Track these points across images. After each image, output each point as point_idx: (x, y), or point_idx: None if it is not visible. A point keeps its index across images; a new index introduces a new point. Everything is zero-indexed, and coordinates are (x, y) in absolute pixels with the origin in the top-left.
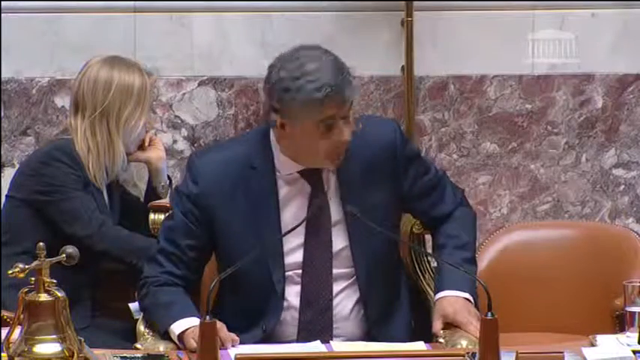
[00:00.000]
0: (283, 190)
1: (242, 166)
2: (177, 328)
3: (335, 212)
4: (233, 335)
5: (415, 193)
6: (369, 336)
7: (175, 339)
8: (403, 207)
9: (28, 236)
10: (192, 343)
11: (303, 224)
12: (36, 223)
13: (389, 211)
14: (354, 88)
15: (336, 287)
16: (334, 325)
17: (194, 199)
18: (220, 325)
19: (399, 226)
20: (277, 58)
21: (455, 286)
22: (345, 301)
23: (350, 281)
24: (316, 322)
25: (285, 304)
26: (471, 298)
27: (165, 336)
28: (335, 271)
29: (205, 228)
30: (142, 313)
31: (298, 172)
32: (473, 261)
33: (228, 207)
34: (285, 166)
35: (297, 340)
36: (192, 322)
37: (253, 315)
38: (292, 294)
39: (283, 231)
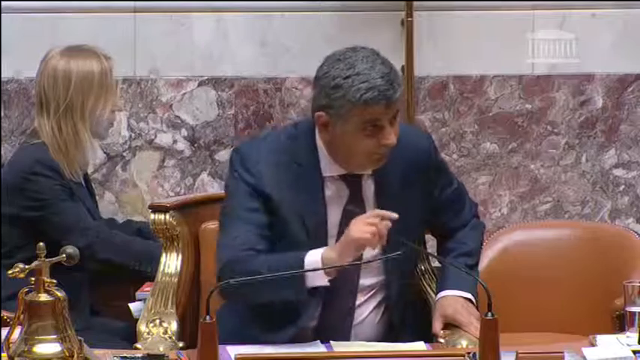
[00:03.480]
0: (328, 192)
1: (288, 160)
2: (312, 256)
3: None
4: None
5: (440, 205)
6: (388, 338)
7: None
8: (430, 217)
9: (27, 249)
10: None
11: (337, 228)
12: (31, 237)
13: (419, 220)
14: (402, 91)
15: (360, 296)
16: (352, 332)
17: (253, 185)
18: None
19: (424, 236)
20: (328, 57)
21: (456, 286)
22: (366, 308)
23: (375, 289)
24: (335, 328)
25: (311, 307)
26: (472, 299)
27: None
28: (361, 279)
29: (269, 211)
30: (141, 313)
31: (339, 175)
32: (476, 268)
33: (280, 198)
34: (328, 167)
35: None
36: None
37: (289, 313)
38: (314, 300)
39: (329, 231)
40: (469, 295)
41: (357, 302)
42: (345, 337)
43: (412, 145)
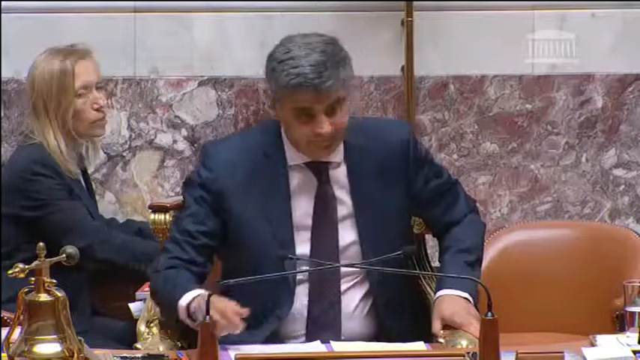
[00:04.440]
0: (294, 181)
1: (255, 153)
2: (183, 302)
3: (344, 207)
4: (235, 308)
5: (426, 197)
6: (378, 333)
7: (185, 316)
8: (414, 210)
9: (27, 249)
10: (198, 316)
11: (310, 217)
12: (31, 237)
13: (399, 210)
14: (340, 84)
15: (344, 282)
16: (343, 321)
17: (206, 184)
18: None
19: (409, 228)
20: (281, 39)
21: (454, 285)
22: (353, 296)
23: (359, 278)
24: (324, 318)
25: (295, 297)
26: (470, 298)
27: (179, 324)
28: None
29: (217, 214)
30: (141, 313)
31: (305, 163)
32: (476, 265)
33: (241, 193)
34: (293, 156)
35: (306, 337)
36: (196, 292)
37: (266, 305)
38: (301, 288)
39: (294, 221)
40: (467, 295)
41: (342, 289)
42: (336, 327)
43: (388, 136)
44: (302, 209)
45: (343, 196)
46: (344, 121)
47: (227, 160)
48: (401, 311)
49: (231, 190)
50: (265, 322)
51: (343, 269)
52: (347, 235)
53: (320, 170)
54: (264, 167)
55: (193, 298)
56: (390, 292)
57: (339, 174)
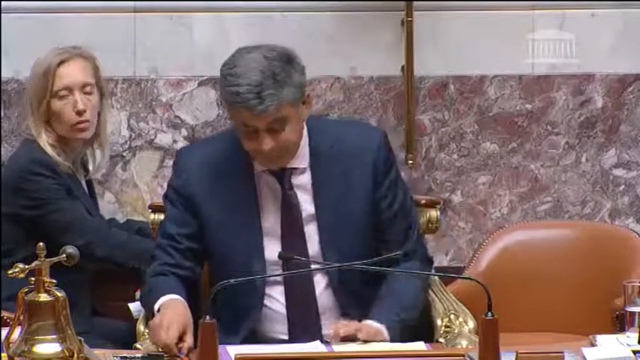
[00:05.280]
0: (262, 187)
1: (224, 159)
2: (155, 307)
3: (308, 212)
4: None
5: (379, 207)
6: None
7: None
8: (373, 221)
9: (27, 247)
10: (154, 335)
11: (279, 223)
12: (30, 236)
13: (364, 217)
14: (281, 104)
15: (318, 283)
16: (322, 321)
17: (179, 189)
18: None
19: (372, 238)
20: (235, 50)
21: (379, 319)
22: (328, 297)
23: (327, 278)
24: (304, 319)
25: (270, 300)
26: (382, 330)
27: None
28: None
29: (194, 216)
30: (141, 313)
31: (268, 169)
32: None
33: (211, 198)
34: (257, 162)
35: (289, 336)
36: (166, 297)
37: (240, 306)
38: (277, 291)
39: (263, 225)
40: (382, 328)
41: (318, 289)
42: (316, 327)
43: (357, 140)
44: (270, 215)
45: (307, 202)
46: (290, 138)
47: (196, 165)
48: (375, 312)
49: (201, 194)
50: (241, 324)
51: (312, 266)
52: (313, 240)
53: (282, 177)
54: (234, 172)
55: (160, 306)
56: (359, 292)
57: (304, 180)
